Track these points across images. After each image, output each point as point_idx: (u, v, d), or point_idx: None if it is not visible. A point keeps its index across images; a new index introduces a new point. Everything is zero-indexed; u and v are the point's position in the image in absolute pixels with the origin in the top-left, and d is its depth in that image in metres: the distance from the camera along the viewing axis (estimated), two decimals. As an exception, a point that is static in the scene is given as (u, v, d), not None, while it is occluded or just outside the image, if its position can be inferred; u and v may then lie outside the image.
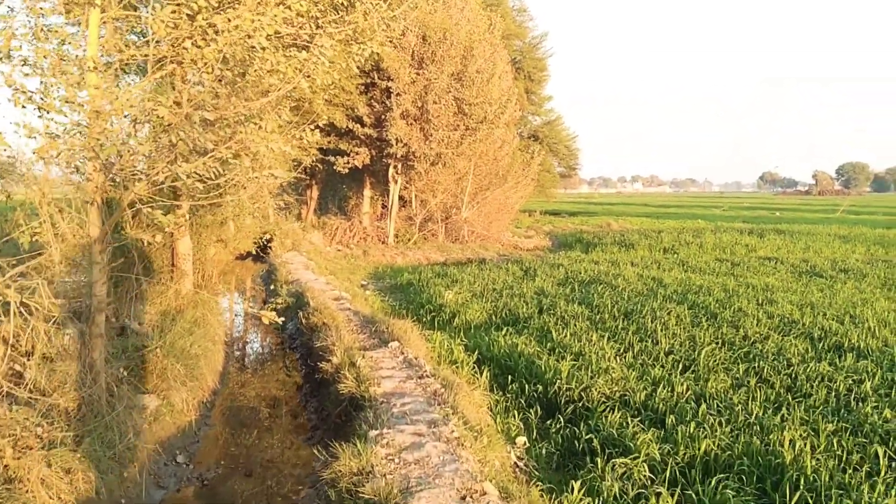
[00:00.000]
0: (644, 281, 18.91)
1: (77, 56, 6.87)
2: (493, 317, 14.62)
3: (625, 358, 10.63)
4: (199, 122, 6.31)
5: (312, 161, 32.62)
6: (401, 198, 35.73)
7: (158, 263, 12.38)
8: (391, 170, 30.46)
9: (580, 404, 8.61)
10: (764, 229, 38.00)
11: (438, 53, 27.10)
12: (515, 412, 8.49)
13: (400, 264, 27.33)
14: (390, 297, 19.09)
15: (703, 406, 8.10)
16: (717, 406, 8.27)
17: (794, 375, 9.58)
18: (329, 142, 31.17)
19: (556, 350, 11.07)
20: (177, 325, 10.89)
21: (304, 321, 12.69)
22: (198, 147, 6.22)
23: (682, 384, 8.97)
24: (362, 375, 8.55)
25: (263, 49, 6.71)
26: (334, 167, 31.02)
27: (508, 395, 9.30)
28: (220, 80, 7.16)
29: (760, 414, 7.92)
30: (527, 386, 9.36)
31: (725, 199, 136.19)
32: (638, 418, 7.97)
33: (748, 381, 9.28)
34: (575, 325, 12.80)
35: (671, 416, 7.92)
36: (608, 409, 8.38)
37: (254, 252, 27.24)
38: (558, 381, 9.14)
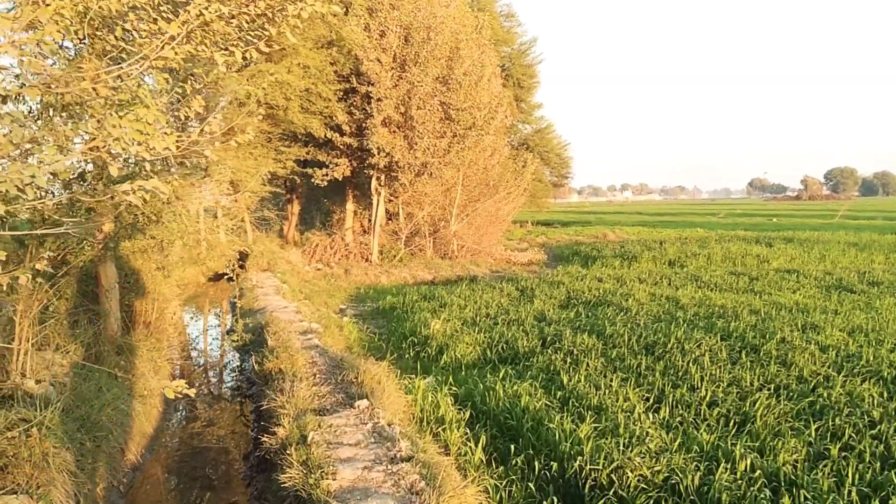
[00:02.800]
0: (658, 301, 16.68)
1: None
2: (488, 351, 12.32)
3: (658, 413, 8.37)
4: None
5: (289, 174, 30.46)
6: (386, 211, 33.49)
7: (76, 299, 10.04)
8: (374, 181, 28.22)
9: (612, 493, 6.33)
10: (771, 237, 35.90)
11: (422, 55, 24.91)
12: (525, 513, 6.18)
13: (384, 284, 25.05)
14: (371, 325, 16.77)
15: (787, 500, 5.83)
16: (804, 497, 6.00)
17: (884, 438, 7.32)
18: (308, 152, 28.98)
19: (570, 402, 8.79)
20: (88, 381, 8.58)
21: (256, 367, 10.36)
22: (14, 142, 3.95)
23: (743, 458, 6.69)
24: (313, 459, 6.24)
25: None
26: (312, 181, 28.82)
27: (512, 474, 7.00)
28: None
29: (872, 513, 5.66)
30: (536, 461, 7.06)
31: (718, 206, 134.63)
32: (696, 519, 5.71)
33: (828, 450, 7.03)
34: (588, 365, 10.53)
35: (745, 516, 5.65)
36: (652, 501, 6.11)
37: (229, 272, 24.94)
38: (579, 456, 6.85)
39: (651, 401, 8.88)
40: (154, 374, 10.30)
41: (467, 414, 8.77)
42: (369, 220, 31.60)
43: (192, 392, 5.77)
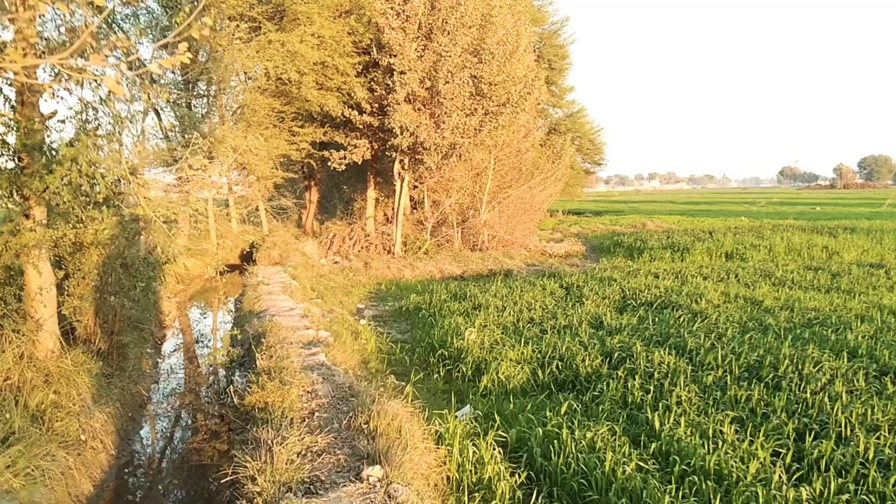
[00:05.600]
0: (735, 303, 13.93)
1: None
2: (540, 372, 9.68)
3: (809, 484, 5.69)
4: None
5: (304, 157, 28.02)
6: (411, 199, 30.93)
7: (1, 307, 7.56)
8: (397, 165, 25.57)
9: None
10: (831, 227, 32.74)
11: (450, 22, 22.20)
12: None
13: (408, 278, 22.51)
14: (393, 329, 14.30)
15: None
16: None
17: None
18: (324, 133, 26.49)
19: (671, 461, 6.14)
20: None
21: (236, 399, 7.80)
22: None
23: None
24: None
25: None
26: (329, 164, 26.33)
27: None
28: None
29: None
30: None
31: (751, 195, 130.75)
32: None
33: None
34: (677, 395, 7.85)
35: None
36: None
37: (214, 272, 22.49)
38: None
39: (787, 459, 6.20)
40: (99, 409, 7.80)
41: (523, 475, 6.20)
42: (393, 209, 29.05)
43: None
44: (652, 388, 8.19)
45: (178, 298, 20.76)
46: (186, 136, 21.98)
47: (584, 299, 15.04)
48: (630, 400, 7.98)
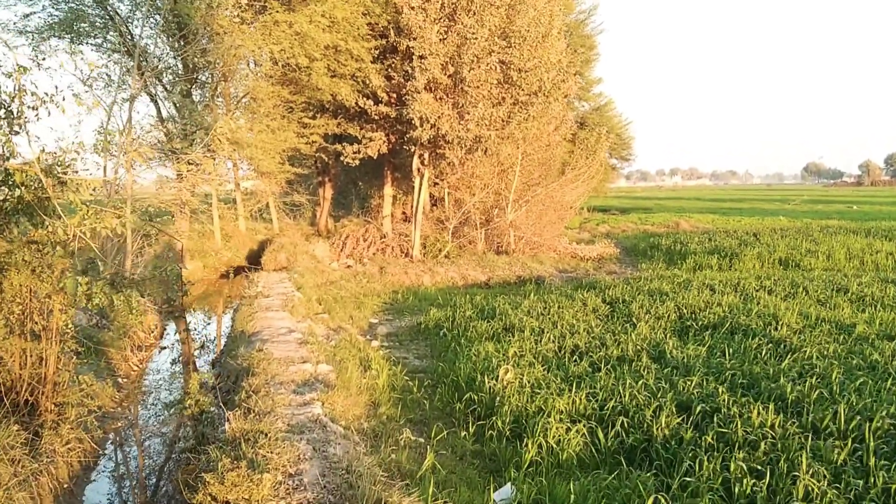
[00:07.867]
0: (819, 328, 11.57)
1: None
2: (601, 433, 7.39)
3: None
4: None
5: (315, 151, 25.93)
6: (430, 196, 28.74)
7: None
8: (416, 160, 23.36)
9: None
10: (885, 229, 30.04)
11: (477, 1, 19.97)
12: None
13: (427, 286, 20.33)
14: (409, 354, 12.20)
15: None
16: None
17: None
18: (338, 125, 24.37)
19: None
20: None
21: (185, 495, 5.62)
22: None
23: None
24: None
25: None
26: (342, 159, 24.19)
27: None
28: None
29: None
30: None
31: (777, 191, 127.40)
32: None
33: None
34: (804, 485, 5.60)
35: None
36: None
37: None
38: None
39: None
40: (10, 496, 5.70)
41: None
42: (411, 207, 26.85)
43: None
44: (767, 471, 5.92)
45: (174, 306, 18.78)
46: (186, 127, 19.92)
47: (634, 319, 12.77)
48: (737, 490, 5.73)
